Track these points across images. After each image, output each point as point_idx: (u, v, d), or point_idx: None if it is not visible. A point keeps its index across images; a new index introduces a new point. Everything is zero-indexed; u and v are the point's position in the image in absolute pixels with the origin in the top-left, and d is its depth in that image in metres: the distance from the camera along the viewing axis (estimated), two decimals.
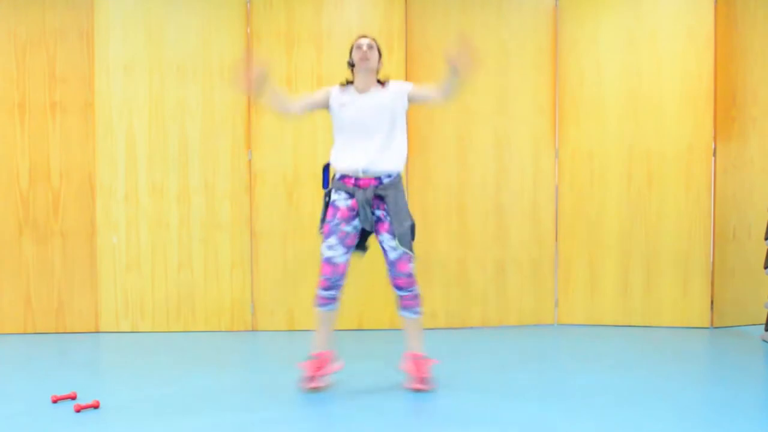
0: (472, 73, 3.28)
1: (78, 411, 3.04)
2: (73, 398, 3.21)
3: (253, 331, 4.96)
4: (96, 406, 3.09)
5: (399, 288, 3.45)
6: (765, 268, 4.61)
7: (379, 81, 3.55)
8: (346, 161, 3.43)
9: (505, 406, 3.15)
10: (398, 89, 3.51)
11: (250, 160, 4.93)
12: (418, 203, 4.92)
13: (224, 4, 4.91)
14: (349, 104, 3.47)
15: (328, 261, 3.41)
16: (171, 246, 4.91)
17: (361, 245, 3.55)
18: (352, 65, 3.56)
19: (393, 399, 3.27)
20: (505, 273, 5.07)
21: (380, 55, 3.58)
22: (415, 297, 3.47)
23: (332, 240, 3.41)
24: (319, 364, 3.44)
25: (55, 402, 3.17)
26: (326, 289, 3.42)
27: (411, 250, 3.42)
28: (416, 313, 3.48)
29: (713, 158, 4.90)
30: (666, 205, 4.96)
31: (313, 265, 4.89)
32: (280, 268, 4.95)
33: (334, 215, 3.43)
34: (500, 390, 3.40)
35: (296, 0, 4.91)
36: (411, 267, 3.44)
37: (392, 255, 3.42)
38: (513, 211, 5.06)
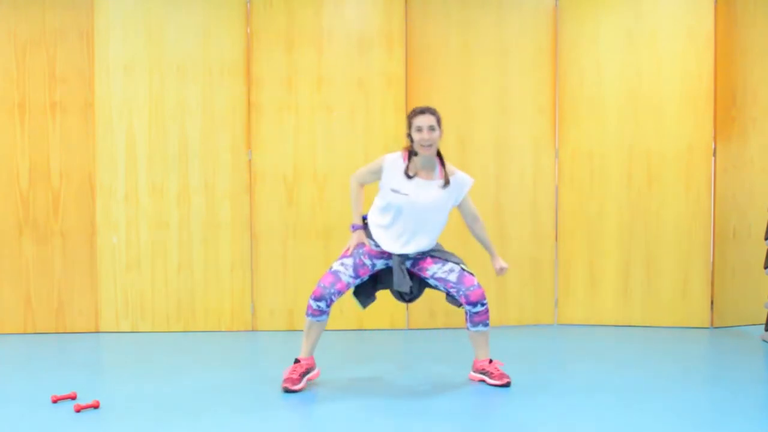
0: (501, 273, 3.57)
1: (78, 411, 3.04)
2: (73, 398, 3.21)
3: (253, 331, 4.96)
4: (96, 406, 3.09)
5: (473, 304, 3.43)
6: (765, 268, 4.61)
7: (439, 156, 3.42)
8: (381, 239, 3.39)
9: (505, 405, 3.14)
10: (458, 188, 3.44)
11: (250, 160, 4.93)
12: None
13: (224, 4, 4.91)
14: (401, 193, 3.35)
15: (333, 273, 3.40)
16: (171, 246, 4.91)
17: (369, 295, 3.57)
18: (411, 140, 3.38)
19: (393, 399, 3.27)
20: (505, 273, 5.05)
21: (440, 126, 3.39)
22: (487, 311, 3.49)
23: (348, 260, 3.42)
24: (302, 368, 3.43)
25: (55, 402, 3.17)
26: (317, 299, 3.39)
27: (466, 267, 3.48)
28: (487, 325, 3.52)
29: (713, 158, 4.90)
30: (666, 205, 4.96)
31: (313, 265, 4.90)
32: (280, 268, 4.95)
33: (361, 246, 3.44)
34: (500, 390, 3.40)
35: (296, 0, 4.91)
36: (477, 280, 3.45)
37: (453, 276, 3.43)
38: (513, 211, 5.06)
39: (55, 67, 4.85)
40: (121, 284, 4.90)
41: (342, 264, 3.42)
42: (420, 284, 3.57)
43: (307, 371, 3.44)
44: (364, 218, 3.54)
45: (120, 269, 4.90)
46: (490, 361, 3.55)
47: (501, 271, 3.62)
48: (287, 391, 3.33)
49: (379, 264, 3.47)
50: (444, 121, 4.91)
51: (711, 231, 4.92)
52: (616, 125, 5.01)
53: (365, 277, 3.48)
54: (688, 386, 3.48)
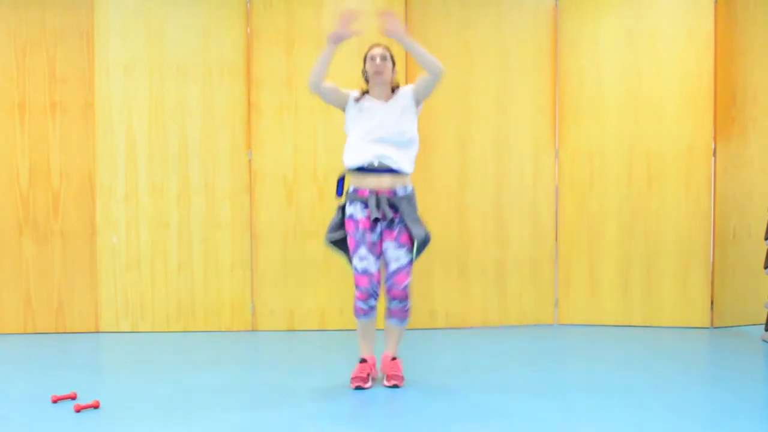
0: (398, 32, 3.38)
1: (78, 411, 3.04)
2: (73, 398, 3.21)
3: (253, 331, 4.96)
4: (96, 406, 3.09)
5: (393, 299, 3.49)
6: (765, 268, 4.61)
7: (393, 90, 3.56)
8: (361, 154, 3.43)
9: (505, 405, 3.14)
10: (406, 96, 3.53)
11: (250, 160, 4.93)
12: (418, 203, 4.91)
13: (224, 4, 4.91)
14: (365, 111, 3.47)
15: (364, 272, 3.42)
16: (171, 246, 4.91)
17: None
18: (366, 75, 3.54)
19: (393, 398, 3.27)
20: (505, 273, 5.07)
21: (394, 63, 3.54)
22: (407, 310, 3.53)
23: (362, 251, 3.43)
24: (368, 369, 3.51)
25: (55, 402, 3.17)
26: (365, 300, 3.44)
27: (416, 256, 3.48)
28: (402, 323, 3.56)
29: (713, 158, 4.90)
30: (666, 205, 4.96)
31: (313, 266, 4.90)
32: (280, 268, 4.95)
33: (356, 227, 3.45)
34: (500, 390, 3.40)
35: (296, 0, 4.91)
36: (408, 281, 3.47)
37: (393, 266, 3.45)
38: (513, 211, 5.06)
39: (55, 67, 4.85)
40: (121, 284, 4.90)
41: (361, 259, 3.42)
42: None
43: (372, 369, 3.53)
44: (340, 180, 3.58)
45: (120, 269, 4.90)
46: (393, 359, 3.57)
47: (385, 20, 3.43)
48: (359, 388, 3.43)
49: (378, 228, 3.47)
50: (444, 121, 4.96)
51: (711, 231, 4.92)
52: (616, 125, 5.01)
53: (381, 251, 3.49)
54: (688, 386, 3.48)
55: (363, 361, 3.54)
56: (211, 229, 4.93)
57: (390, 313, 3.55)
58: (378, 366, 3.65)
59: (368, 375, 3.48)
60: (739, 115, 4.99)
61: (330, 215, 4.85)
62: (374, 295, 3.44)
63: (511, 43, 5.02)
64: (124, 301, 4.91)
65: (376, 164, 3.42)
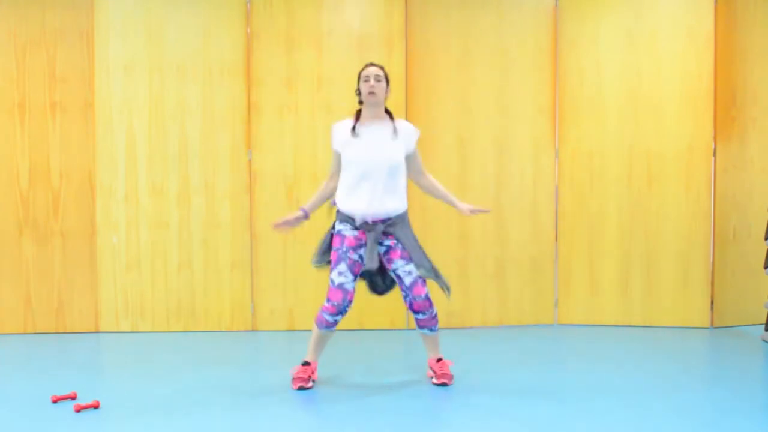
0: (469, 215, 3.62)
1: (78, 411, 3.04)
2: (73, 398, 3.21)
3: (253, 331, 4.96)
4: (96, 406, 3.09)
5: (417, 311, 3.49)
6: (765, 268, 4.61)
7: (387, 111, 3.55)
8: (351, 204, 3.44)
9: (505, 406, 3.14)
10: (406, 137, 3.51)
11: (250, 160, 4.93)
12: (418, 203, 4.92)
13: (224, 4, 4.91)
14: (354, 142, 3.45)
15: (340, 287, 3.42)
16: (171, 246, 4.91)
17: (380, 286, 3.62)
18: (359, 94, 3.52)
19: (393, 398, 3.27)
20: (505, 273, 5.07)
21: (388, 83, 3.53)
22: (433, 318, 3.53)
23: (342, 267, 3.43)
24: (309, 371, 3.51)
25: (55, 402, 3.17)
26: (334, 314, 3.42)
27: (438, 277, 3.49)
28: (433, 330, 3.58)
29: (713, 158, 4.90)
30: (666, 205, 4.96)
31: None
32: (280, 268, 4.95)
33: (341, 243, 3.46)
34: (500, 390, 3.40)
35: (296, 0, 4.91)
36: (426, 290, 3.48)
37: (408, 280, 3.46)
38: (513, 211, 5.06)
39: (55, 67, 4.85)
40: (121, 284, 4.90)
41: (341, 274, 3.42)
42: (391, 278, 3.61)
43: (313, 373, 3.53)
44: (333, 203, 3.58)
45: (120, 269, 4.90)
46: (438, 360, 3.59)
47: (469, 211, 3.62)
48: (302, 389, 3.43)
49: (363, 252, 3.47)
50: (444, 121, 4.96)
51: (711, 231, 4.92)
52: (616, 125, 5.01)
53: (361, 272, 3.51)
54: (688, 386, 3.48)
55: (306, 363, 3.52)
56: (211, 229, 4.93)
57: (420, 325, 3.55)
58: (427, 370, 3.69)
59: (309, 377, 3.48)
60: (739, 115, 4.99)
61: (329, 215, 4.88)
62: (343, 311, 3.42)
63: (511, 43, 5.02)
64: (124, 301, 4.91)
65: (370, 222, 3.44)
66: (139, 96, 4.88)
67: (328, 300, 3.41)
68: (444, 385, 3.49)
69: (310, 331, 4.92)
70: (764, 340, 4.51)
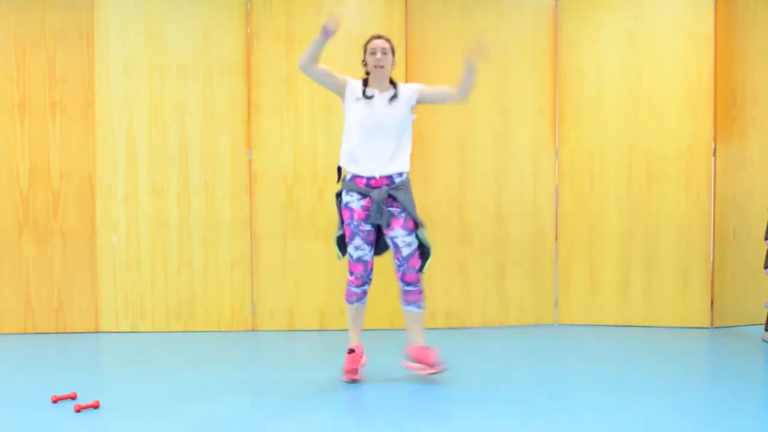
0: (483, 67, 3.51)
1: (78, 411, 3.04)
2: (73, 398, 3.21)
3: (253, 331, 4.96)
4: (96, 406, 3.09)
5: (407, 283, 3.57)
6: (765, 268, 4.61)
7: (391, 81, 3.64)
8: (359, 164, 3.54)
9: (505, 405, 3.15)
10: (409, 93, 3.61)
11: (250, 160, 4.93)
12: (418, 203, 4.89)
13: (224, 4, 4.91)
14: (362, 102, 3.55)
15: (359, 260, 3.55)
16: (171, 246, 4.91)
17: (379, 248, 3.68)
18: (366, 66, 3.62)
19: (393, 398, 3.27)
20: (505, 273, 5.07)
21: (393, 54, 3.62)
22: (421, 292, 3.61)
23: (357, 240, 3.55)
24: (358, 357, 3.57)
25: (55, 402, 3.17)
26: (359, 285, 3.57)
27: (428, 243, 3.58)
28: (420, 307, 3.62)
29: (713, 158, 4.90)
30: (666, 205, 4.96)
31: (313, 266, 4.90)
32: (280, 268, 4.95)
33: (351, 217, 3.55)
34: (500, 390, 3.40)
35: (296, 0, 4.91)
36: (420, 263, 3.57)
37: (405, 251, 3.54)
38: (513, 211, 5.06)
39: (55, 67, 4.85)
40: (121, 284, 4.90)
41: (357, 248, 3.55)
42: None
43: (361, 359, 3.59)
44: (339, 169, 3.65)
45: (120, 269, 4.90)
46: (427, 348, 3.59)
47: (474, 52, 3.54)
48: (353, 381, 3.52)
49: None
50: (444, 121, 4.96)
51: (711, 231, 4.92)
52: (616, 125, 5.01)
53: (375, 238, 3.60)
54: (688, 386, 3.48)
55: (351, 351, 3.58)
56: (211, 229, 4.93)
57: (407, 300, 3.61)
58: (409, 359, 3.66)
59: (357, 368, 3.54)
60: (739, 115, 4.99)
61: (330, 214, 4.89)
62: (368, 281, 3.58)
63: (511, 43, 5.02)
64: (124, 301, 4.91)
65: (377, 176, 3.53)
66: (139, 96, 4.88)
67: (351, 273, 3.57)
68: (433, 375, 3.49)
69: (310, 330, 4.93)
70: (764, 340, 4.51)
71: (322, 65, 3.57)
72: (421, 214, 4.85)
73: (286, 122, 4.92)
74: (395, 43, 4.90)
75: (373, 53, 3.56)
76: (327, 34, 3.41)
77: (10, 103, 4.84)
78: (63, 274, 4.88)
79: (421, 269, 3.60)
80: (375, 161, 3.52)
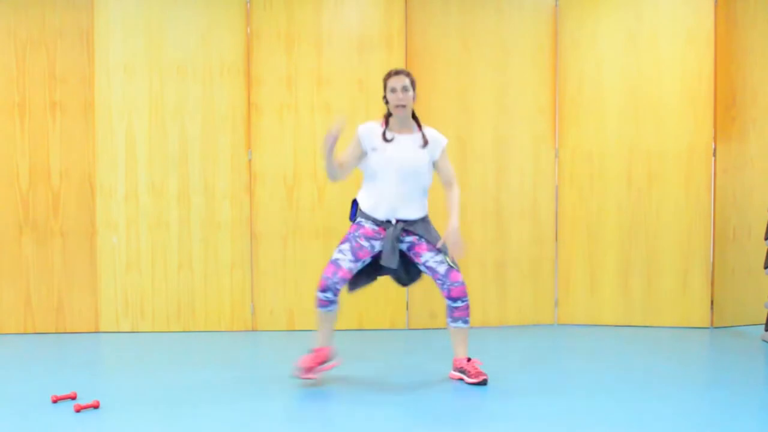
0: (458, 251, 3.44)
1: (78, 411, 3.04)
2: (73, 398, 3.21)
3: (253, 331, 4.96)
4: (96, 406, 3.09)
5: (454, 299, 3.49)
6: (765, 268, 4.61)
7: (414, 116, 3.56)
8: (374, 210, 3.48)
9: (505, 406, 3.14)
10: (434, 145, 3.53)
11: (250, 160, 4.93)
12: None
13: (224, 4, 4.91)
14: (379, 150, 3.47)
15: (334, 262, 3.46)
16: (171, 246, 4.91)
17: (364, 280, 3.60)
18: (387, 103, 3.53)
19: (392, 398, 3.27)
20: (505, 273, 5.07)
21: (414, 89, 3.53)
22: (467, 307, 3.54)
23: (345, 246, 3.48)
24: (317, 358, 3.50)
25: (55, 402, 3.17)
26: (323, 290, 3.45)
27: (455, 264, 3.50)
28: (466, 322, 3.56)
29: (713, 158, 4.91)
30: (666, 205, 4.96)
31: (313, 265, 4.90)
32: (280, 268, 4.95)
33: (357, 230, 3.50)
34: (500, 390, 3.40)
35: (296, 0, 4.92)
36: (461, 275, 3.51)
37: (441, 269, 3.48)
38: (513, 211, 5.06)
39: (55, 67, 4.85)
40: (121, 284, 4.90)
41: (340, 251, 3.47)
42: (416, 268, 3.62)
43: (324, 362, 3.52)
44: (354, 203, 3.61)
45: (120, 269, 4.90)
46: (468, 360, 3.57)
47: (447, 236, 3.46)
48: (299, 377, 3.44)
49: (378, 245, 3.50)
50: (444, 121, 4.96)
51: (711, 231, 4.92)
52: (616, 125, 5.01)
53: (367, 259, 3.51)
54: (688, 386, 3.48)
55: (312, 351, 3.52)
56: (211, 229, 4.93)
57: (454, 317, 3.53)
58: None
59: (315, 365, 3.46)
60: (739, 115, 4.99)
61: (330, 214, 4.89)
62: (332, 289, 3.43)
63: (511, 43, 5.02)
64: (124, 301, 4.91)
65: (393, 222, 3.48)
66: (139, 96, 4.88)
67: (322, 274, 3.46)
68: (483, 383, 3.44)
69: (310, 330, 4.93)
70: (764, 340, 4.51)
71: (342, 160, 3.51)
72: None
73: (286, 122, 4.92)
74: (395, 43, 4.93)
75: (394, 91, 3.47)
76: (330, 142, 3.37)
77: (10, 103, 4.84)
78: (63, 274, 4.88)
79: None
80: (385, 208, 3.46)
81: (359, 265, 3.50)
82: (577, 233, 5.10)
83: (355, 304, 4.91)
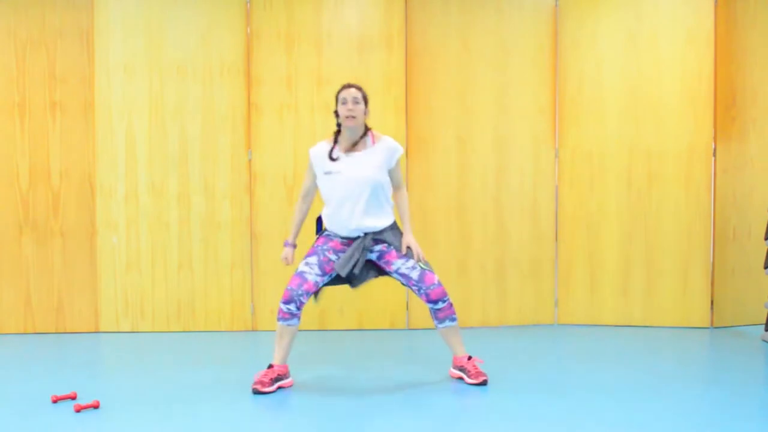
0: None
1: (78, 411, 3.04)
2: (73, 398, 3.21)
3: (253, 331, 4.96)
4: (96, 406, 3.09)
5: (434, 302, 3.46)
6: (765, 268, 4.61)
7: (367, 129, 3.53)
8: (337, 225, 3.48)
9: (505, 405, 3.14)
10: (389, 154, 3.49)
11: (250, 160, 4.93)
12: (418, 203, 4.92)
13: (224, 4, 4.91)
14: (333, 173, 3.45)
15: (299, 275, 3.44)
16: (171, 246, 4.91)
17: (357, 278, 3.54)
18: (338, 116, 3.51)
19: (392, 398, 3.27)
20: (505, 273, 5.07)
21: (366, 104, 3.50)
22: (450, 305, 3.51)
23: (312, 259, 3.47)
24: (271, 374, 3.43)
25: (55, 402, 3.17)
26: (287, 302, 3.42)
27: (428, 266, 3.48)
28: (453, 320, 3.53)
29: (713, 158, 4.91)
30: (666, 205, 4.96)
31: None
32: (280, 268, 4.95)
33: (325, 242, 3.51)
34: (500, 390, 3.40)
35: (296, 0, 4.92)
36: (437, 277, 3.47)
37: (414, 274, 3.45)
38: (513, 211, 5.06)
39: (55, 67, 4.85)
40: (121, 284, 4.90)
41: (307, 264, 3.45)
42: (369, 271, 3.55)
43: (279, 378, 3.45)
44: (319, 219, 3.62)
45: (120, 269, 4.90)
46: (469, 358, 3.56)
47: (407, 250, 3.48)
48: (257, 392, 3.34)
49: (334, 258, 3.49)
50: (444, 121, 4.96)
51: (711, 231, 4.92)
52: (616, 125, 5.01)
53: (334, 273, 3.49)
54: (688, 386, 3.48)
55: (270, 366, 3.47)
56: (211, 229, 4.93)
57: (440, 318, 3.51)
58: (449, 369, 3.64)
59: (271, 380, 3.39)
60: (739, 115, 4.99)
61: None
62: (296, 300, 3.40)
63: (511, 43, 5.02)
64: (124, 301, 4.91)
65: (361, 235, 3.47)
66: (139, 96, 4.88)
67: (287, 286, 3.43)
68: (483, 383, 3.44)
69: (310, 330, 4.93)
70: (764, 340, 4.51)
71: (304, 190, 3.59)
72: (421, 215, 4.88)
73: (286, 122, 4.92)
74: (395, 43, 4.93)
75: (344, 103, 3.44)
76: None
77: (10, 103, 4.84)
78: (63, 274, 4.88)
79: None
80: (348, 225, 3.44)
81: (326, 279, 3.48)
82: (577, 233, 5.10)
83: (355, 304, 4.91)
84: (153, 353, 4.31)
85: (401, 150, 3.55)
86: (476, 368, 3.50)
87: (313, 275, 3.43)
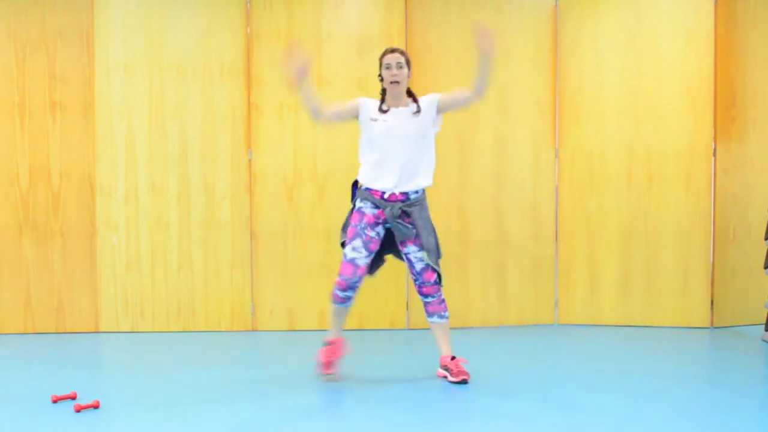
0: (492, 55, 3.36)
1: (78, 411, 3.04)
2: (73, 398, 3.21)
3: (253, 331, 4.96)
4: (96, 406, 3.09)
5: (425, 295, 3.59)
6: (765, 268, 4.61)
7: (409, 93, 3.61)
8: (377, 181, 3.52)
9: (505, 406, 3.14)
10: (428, 105, 3.58)
11: (250, 160, 4.93)
12: None
13: (224, 4, 4.91)
14: (380, 121, 3.53)
15: (351, 262, 3.51)
16: (171, 246, 4.91)
17: (376, 263, 3.66)
18: (382, 81, 3.58)
19: (392, 398, 3.27)
20: (505, 273, 5.07)
21: (410, 68, 3.60)
22: (441, 302, 3.61)
23: (357, 242, 3.51)
24: (334, 350, 3.58)
25: (55, 402, 3.17)
26: (343, 289, 3.52)
27: (437, 265, 3.55)
28: (443, 317, 3.63)
29: (713, 158, 4.90)
30: (666, 205, 4.96)
31: (313, 265, 4.90)
32: (280, 268, 4.95)
33: (360, 220, 3.54)
34: (500, 390, 3.40)
35: (296, 0, 4.92)
36: (435, 277, 3.57)
37: (419, 266, 3.55)
38: (513, 211, 5.06)
39: (55, 67, 4.85)
40: (121, 284, 4.90)
41: (354, 249, 3.51)
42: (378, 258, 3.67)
43: (340, 353, 3.61)
44: (354, 186, 3.65)
45: (120, 269, 4.90)
46: (453, 358, 3.59)
47: (481, 40, 3.35)
48: (321, 374, 3.54)
49: (381, 230, 3.56)
50: (444, 121, 4.93)
51: (711, 231, 4.92)
52: (616, 125, 5.01)
53: (377, 248, 3.57)
54: (688, 386, 3.48)
55: (328, 344, 3.60)
56: (211, 229, 4.93)
57: (429, 312, 3.62)
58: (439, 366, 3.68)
59: (332, 358, 3.56)
60: (739, 115, 4.99)
61: (330, 214, 4.88)
62: (353, 287, 3.52)
63: (511, 43, 5.02)
64: (124, 301, 4.91)
65: (397, 193, 3.51)
66: (139, 96, 4.88)
67: (339, 274, 3.51)
68: (463, 382, 3.47)
69: (310, 330, 4.93)
70: (764, 340, 4.51)
71: (330, 107, 3.58)
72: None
73: (286, 122, 4.92)
74: (395, 43, 4.92)
75: (389, 68, 3.53)
76: (300, 74, 3.44)
77: (10, 103, 4.84)
78: (63, 274, 4.88)
79: (438, 282, 3.59)
80: (391, 178, 3.49)
81: (372, 256, 3.56)
82: (577, 233, 5.10)
83: (355, 304, 4.89)
84: (153, 353, 4.31)
85: (437, 95, 3.60)
86: (458, 367, 3.53)
87: (363, 259, 3.51)
